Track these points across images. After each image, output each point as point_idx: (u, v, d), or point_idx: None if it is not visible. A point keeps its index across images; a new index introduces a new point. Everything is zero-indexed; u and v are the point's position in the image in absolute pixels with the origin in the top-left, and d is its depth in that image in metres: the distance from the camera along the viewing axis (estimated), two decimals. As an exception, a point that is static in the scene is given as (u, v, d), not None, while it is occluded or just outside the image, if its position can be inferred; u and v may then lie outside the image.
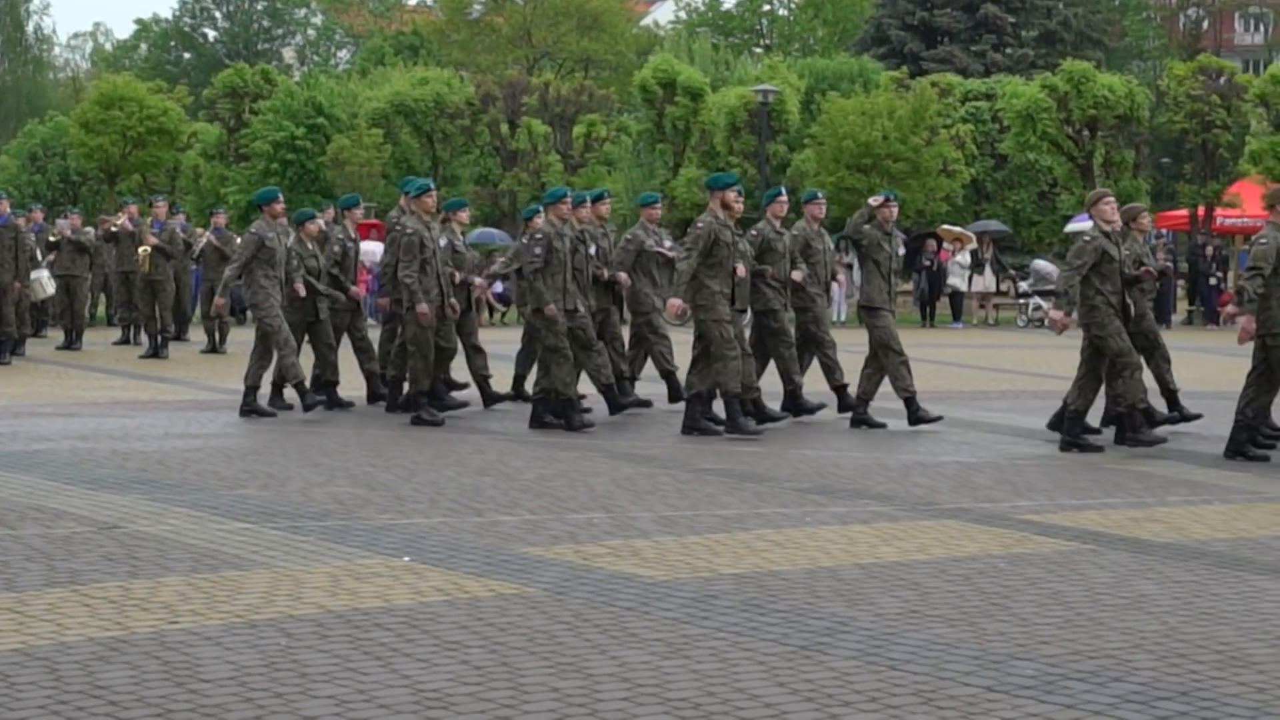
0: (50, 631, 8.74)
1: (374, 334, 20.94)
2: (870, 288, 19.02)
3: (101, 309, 35.35)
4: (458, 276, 19.59)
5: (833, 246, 20.61)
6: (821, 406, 19.46)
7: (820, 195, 20.27)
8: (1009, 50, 70.75)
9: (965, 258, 45.14)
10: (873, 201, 19.04)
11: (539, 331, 18.48)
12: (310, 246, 20.17)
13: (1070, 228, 45.96)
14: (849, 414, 19.01)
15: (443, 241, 19.13)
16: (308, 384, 19.46)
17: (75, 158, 55.67)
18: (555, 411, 18.21)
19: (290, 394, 19.76)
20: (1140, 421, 17.13)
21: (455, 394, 20.04)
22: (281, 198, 20.15)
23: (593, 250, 18.94)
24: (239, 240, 23.24)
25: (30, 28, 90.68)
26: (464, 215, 20.96)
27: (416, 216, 18.53)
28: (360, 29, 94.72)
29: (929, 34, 71.09)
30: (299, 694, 7.73)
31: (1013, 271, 48.00)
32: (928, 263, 44.33)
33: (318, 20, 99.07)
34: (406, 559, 10.66)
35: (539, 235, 18.19)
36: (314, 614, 9.20)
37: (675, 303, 17.64)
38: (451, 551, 10.94)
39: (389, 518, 12.21)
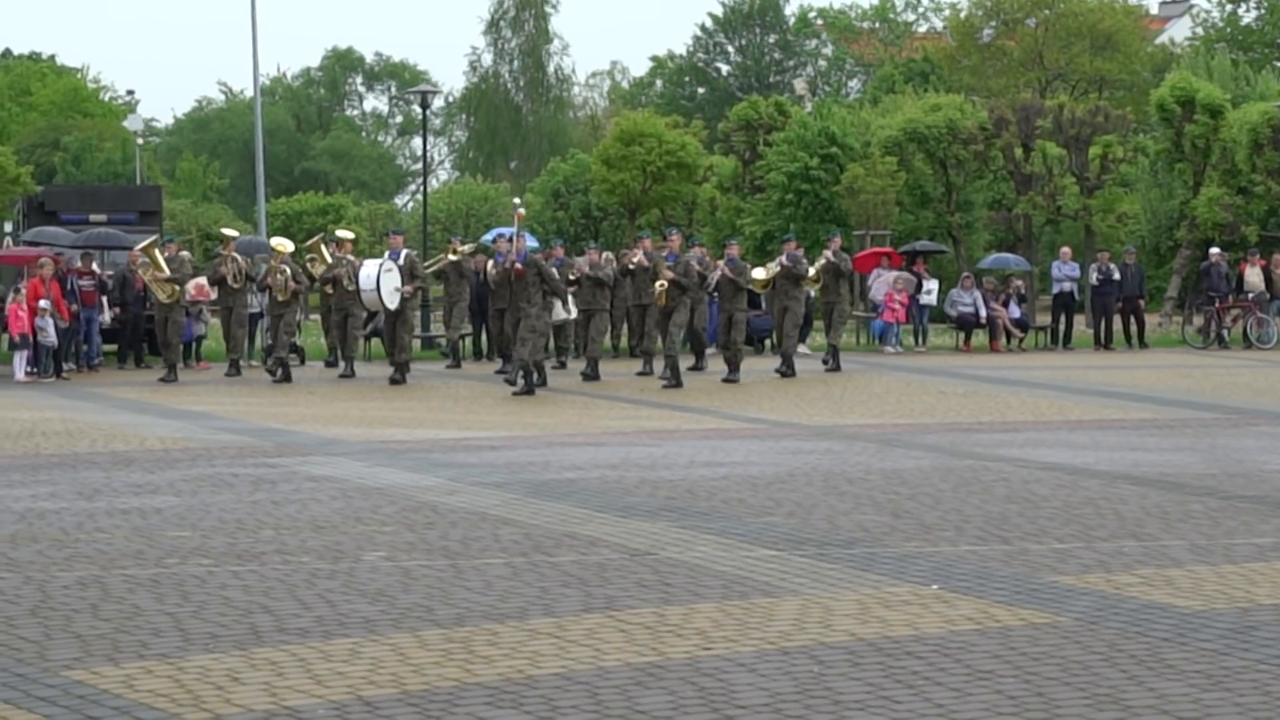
0: (589, 656, 8.96)
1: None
2: None
3: (623, 340, 36.10)
4: None
5: None
6: None
7: None
8: None
9: None
10: None
11: None
12: None
13: None
14: None
15: None
16: None
17: (597, 194, 57.14)
18: None
19: None
20: None
21: None
22: None
23: None
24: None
25: (551, 69, 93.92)
26: None
27: None
28: (870, 58, 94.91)
29: None
30: (834, 722, 7.77)
31: None
32: None
33: (828, 51, 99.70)
34: (935, 587, 10.62)
35: None
36: (845, 641, 9.23)
37: None
38: (980, 580, 10.86)
39: (915, 545, 12.18)
